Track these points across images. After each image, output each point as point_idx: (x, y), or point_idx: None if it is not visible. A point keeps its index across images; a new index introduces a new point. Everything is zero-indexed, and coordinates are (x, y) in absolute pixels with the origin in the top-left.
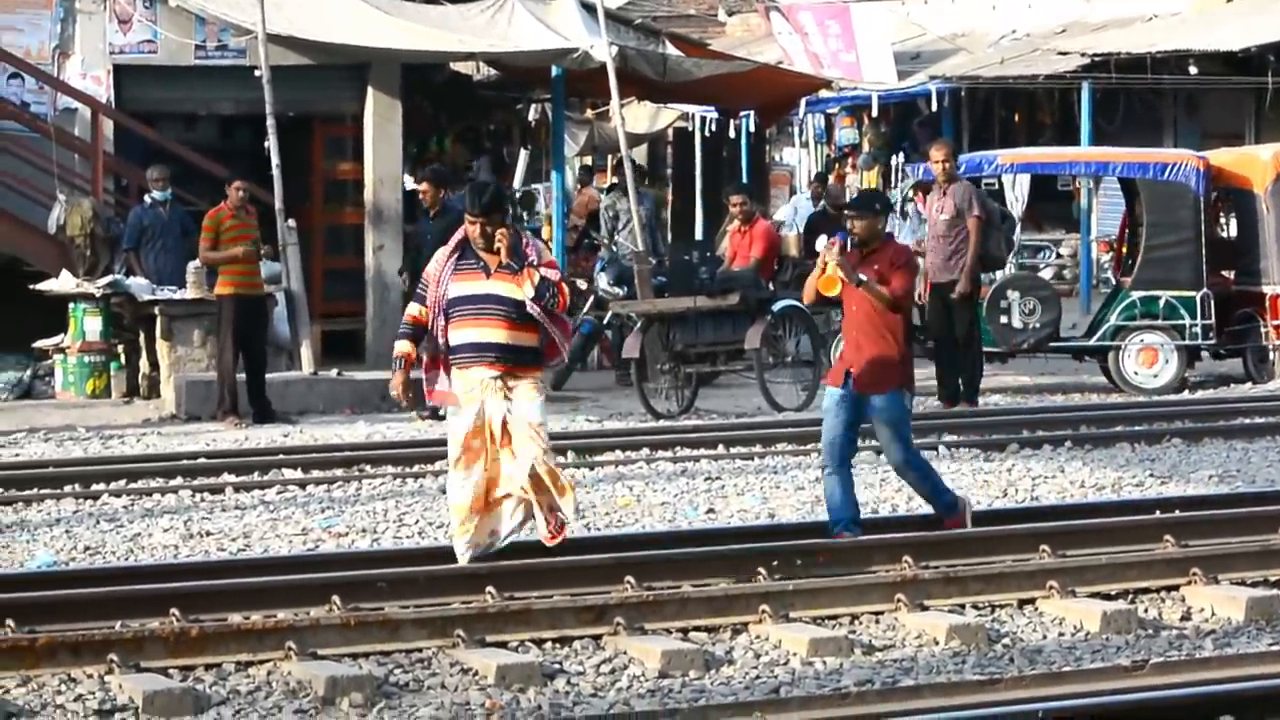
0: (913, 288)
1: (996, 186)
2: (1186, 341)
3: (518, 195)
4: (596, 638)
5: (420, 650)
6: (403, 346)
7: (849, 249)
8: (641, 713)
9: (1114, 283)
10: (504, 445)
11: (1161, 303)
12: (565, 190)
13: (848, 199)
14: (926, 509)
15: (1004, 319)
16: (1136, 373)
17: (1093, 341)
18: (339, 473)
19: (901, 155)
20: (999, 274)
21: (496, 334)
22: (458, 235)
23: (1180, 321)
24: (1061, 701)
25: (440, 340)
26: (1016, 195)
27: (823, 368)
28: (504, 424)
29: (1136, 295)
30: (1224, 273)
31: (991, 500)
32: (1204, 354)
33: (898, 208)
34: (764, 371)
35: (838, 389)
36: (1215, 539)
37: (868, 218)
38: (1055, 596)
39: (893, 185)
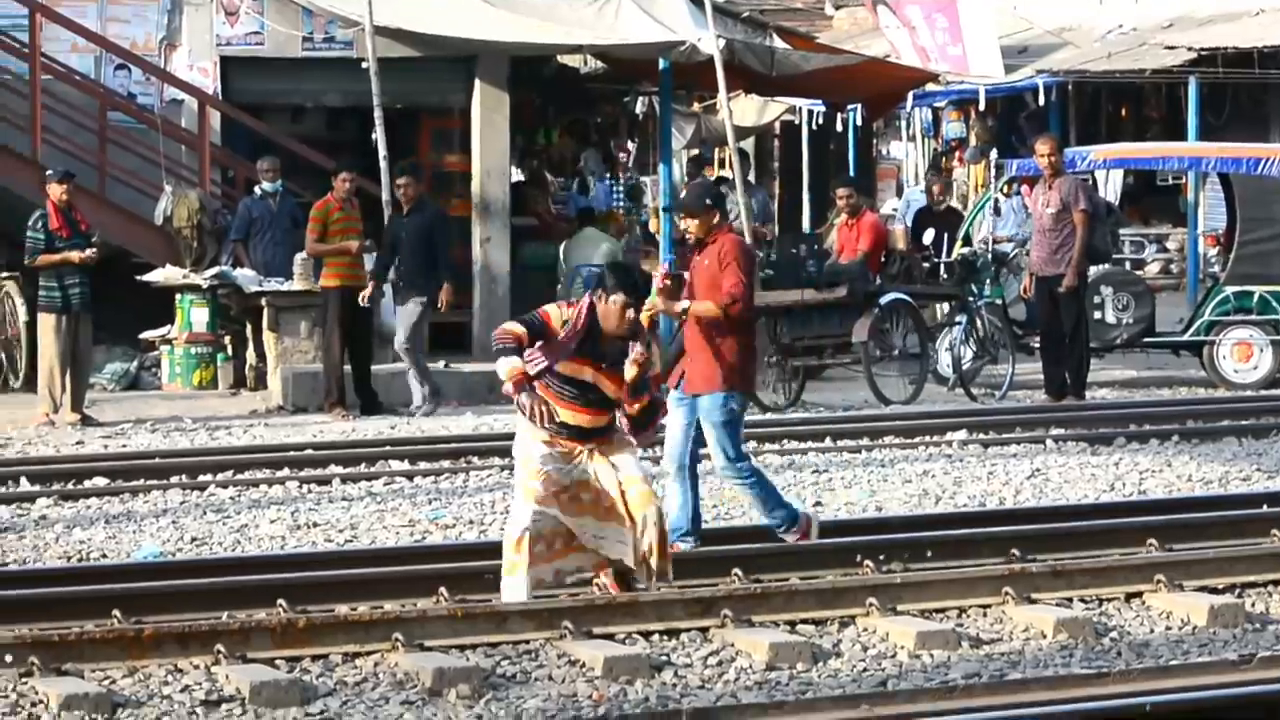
0: (748, 280)
1: (1090, 182)
2: None
3: (626, 187)
4: (704, 630)
5: (528, 642)
6: (514, 364)
7: (671, 275)
8: (749, 705)
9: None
10: (607, 506)
11: (1255, 297)
12: (673, 182)
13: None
14: (1035, 502)
15: (1098, 314)
16: (1233, 369)
17: (1187, 336)
18: (446, 464)
19: (995, 151)
20: (1095, 269)
21: (600, 420)
22: (585, 306)
23: (1275, 316)
24: (1168, 695)
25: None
26: (1110, 190)
27: (931, 361)
28: (607, 482)
29: (1230, 290)
30: None
31: (1099, 494)
32: None
33: (991, 202)
34: (871, 364)
35: (675, 393)
36: None
37: (699, 215)
38: (1162, 590)
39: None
